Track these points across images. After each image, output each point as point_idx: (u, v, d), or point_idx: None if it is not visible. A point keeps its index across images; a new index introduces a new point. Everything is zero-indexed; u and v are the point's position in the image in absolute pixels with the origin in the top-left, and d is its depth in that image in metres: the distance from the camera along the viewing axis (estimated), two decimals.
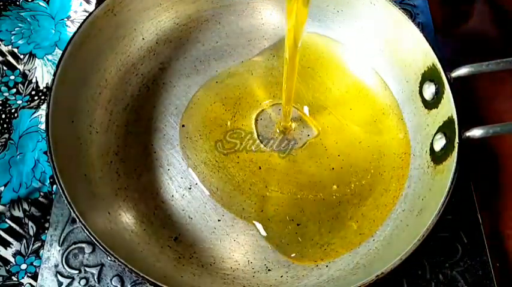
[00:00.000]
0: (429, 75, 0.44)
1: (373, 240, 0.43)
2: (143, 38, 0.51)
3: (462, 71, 0.41)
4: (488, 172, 0.50)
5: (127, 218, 0.43)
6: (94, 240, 0.36)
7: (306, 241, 0.43)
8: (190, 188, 0.45)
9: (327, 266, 0.42)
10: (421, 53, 0.45)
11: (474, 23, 0.58)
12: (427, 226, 0.36)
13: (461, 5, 0.59)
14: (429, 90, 0.44)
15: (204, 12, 0.53)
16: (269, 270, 0.42)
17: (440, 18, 0.57)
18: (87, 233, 0.36)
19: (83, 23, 0.44)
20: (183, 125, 0.48)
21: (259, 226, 0.44)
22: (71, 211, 0.37)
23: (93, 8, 0.44)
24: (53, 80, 0.42)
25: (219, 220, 0.44)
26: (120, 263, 0.35)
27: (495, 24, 0.58)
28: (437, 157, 0.43)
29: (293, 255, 0.43)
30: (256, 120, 0.49)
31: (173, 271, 0.41)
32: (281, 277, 0.42)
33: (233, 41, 0.53)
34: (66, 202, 0.37)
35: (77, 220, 0.37)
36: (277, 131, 0.48)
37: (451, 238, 0.44)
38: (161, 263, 0.41)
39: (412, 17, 0.55)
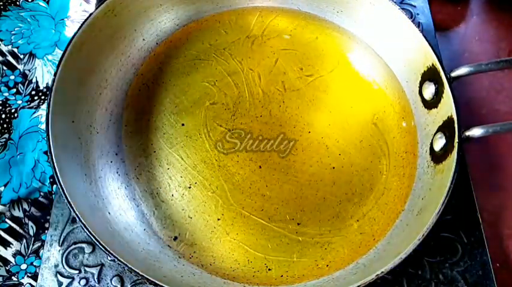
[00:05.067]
0: (429, 75, 0.44)
1: (374, 239, 0.43)
2: (144, 39, 0.51)
3: (462, 70, 0.41)
4: (488, 172, 0.50)
5: (127, 218, 0.43)
6: (94, 240, 0.36)
7: (307, 240, 0.43)
8: (190, 187, 0.45)
9: (327, 265, 0.42)
10: (420, 53, 0.45)
11: (474, 23, 0.57)
12: (426, 226, 0.36)
13: (461, 5, 0.59)
14: (429, 90, 0.44)
15: (204, 13, 0.53)
16: (269, 269, 0.42)
17: (441, 18, 0.57)
18: (88, 233, 0.36)
19: (83, 23, 0.45)
20: (182, 124, 0.48)
21: (259, 225, 0.44)
22: (71, 210, 0.37)
23: (93, 8, 0.44)
24: (53, 80, 0.42)
25: (218, 219, 0.44)
26: (120, 263, 0.35)
27: (495, 24, 0.57)
28: (437, 157, 0.43)
29: (293, 254, 0.43)
30: (256, 118, 0.49)
31: (173, 271, 0.41)
32: (281, 276, 0.42)
33: (233, 39, 0.53)
34: (66, 201, 0.38)
35: (77, 219, 0.37)
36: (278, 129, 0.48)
37: (451, 238, 0.44)
38: (161, 263, 0.41)
39: (412, 17, 0.55)
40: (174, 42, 0.52)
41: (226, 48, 0.52)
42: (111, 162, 0.46)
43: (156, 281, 0.35)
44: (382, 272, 0.35)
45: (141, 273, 0.35)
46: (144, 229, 0.43)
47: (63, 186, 0.38)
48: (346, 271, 0.41)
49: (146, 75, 0.50)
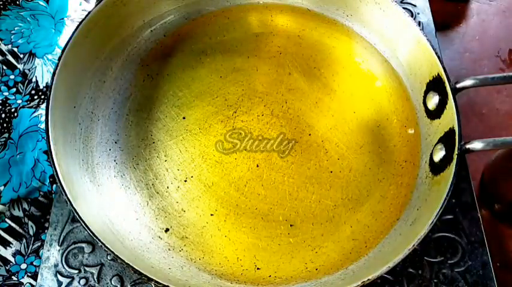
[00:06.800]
0: (434, 85, 0.44)
1: (366, 246, 0.43)
2: (151, 30, 0.51)
3: (467, 82, 0.41)
4: (488, 171, 0.49)
5: (120, 207, 0.43)
6: (81, 222, 0.36)
7: (298, 242, 0.43)
8: (185, 181, 0.45)
9: (316, 269, 0.42)
10: (427, 62, 0.44)
11: (474, 23, 0.57)
12: (418, 237, 0.36)
13: (461, 5, 0.58)
14: (433, 100, 0.44)
15: (214, 7, 0.53)
16: (258, 269, 0.42)
17: (441, 17, 0.56)
18: (75, 213, 0.36)
19: (92, 10, 0.45)
20: (183, 118, 0.48)
21: (251, 223, 0.44)
22: (64, 194, 0.37)
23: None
24: (59, 59, 0.42)
25: (211, 215, 0.44)
26: (106, 250, 0.35)
27: (495, 24, 0.57)
28: (435, 168, 0.42)
29: (283, 255, 0.43)
30: (257, 117, 0.48)
31: (161, 263, 0.41)
32: (269, 276, 0.42)
33: (240, 36, 0.53)
34: (59, 186, 0.38)
35: (68, 203, 0.37)
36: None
37: (451, 238, 0.44)
38: (150, 253, 0.41)
39: (413, 16, 0.54)
40: (181, 35, 0.52)
41: (233, 45, 0.52)
42: (110, 150, 0.46)
43: (142, 271, 0.35)
44: (369, 279, 0.35)
45: (126, 261, 0.35)
46: (137, 219, 0.44)
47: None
48: (334, 276, 0.41)
49: (151, 67, 0.51)
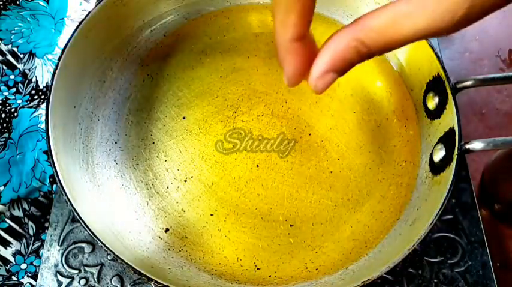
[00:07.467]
0: (434, 85, 0.44)
1: (366, 247, 0.43)
2: (151, 30, 0.51)
3: (467, 83, 0.41)
4: (488, 171, 0.49)
5: (120, 207, 0.43)
6: (81, 222, 0.36)
7: (298, 242, 0.43)
8: (185, 181, 0.45)
9: (316, 269, 0.42)
10: (427, 62, 0.44)
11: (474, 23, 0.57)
12: (418, 237, 0.36)
13: None
14: (433, 100, 0.44)
15: (214, 8, 0.53)
16: (258, 269, 0.42)
17: None
18: (75, 214, 0.36)
19: (92, 10, 0.45)
20: (183, 118, 0.48)
21: (251, 223, 0.44)
22: (63, 193, 0.37)
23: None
24: (59, 59, 0.42)
25: (211, 215, 0.44)
26: (106, 250, 0.35)
27: (495, 24, 0.57)
28: (435, 168, 0.42)
29: (283, 255, 0.43)
30: (257, 117, 0.48)
31: (161, 262, 0.41)
32: (269, 276, 0.42)
33: (240, 36, 0.53)
34: (59, 185, 0.38)
35: (68, 203, 0.37)
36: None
37: (451, 238, 0.44)
38: (150, 253, 0.41)
39: None
40: (181, 35, 0.52)
41: (233, 45, 0.52)
42: (110, 150, 0.46)
43: (142, 271, 0.35)
44: (369, 279, 0.35)
45: (126, 261, 0.35)
46: (137, 219, 0.44)
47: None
48: (334, 276, 0.41)
49: (151, 67, 0.51)
